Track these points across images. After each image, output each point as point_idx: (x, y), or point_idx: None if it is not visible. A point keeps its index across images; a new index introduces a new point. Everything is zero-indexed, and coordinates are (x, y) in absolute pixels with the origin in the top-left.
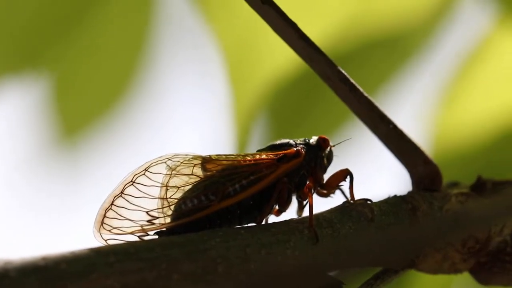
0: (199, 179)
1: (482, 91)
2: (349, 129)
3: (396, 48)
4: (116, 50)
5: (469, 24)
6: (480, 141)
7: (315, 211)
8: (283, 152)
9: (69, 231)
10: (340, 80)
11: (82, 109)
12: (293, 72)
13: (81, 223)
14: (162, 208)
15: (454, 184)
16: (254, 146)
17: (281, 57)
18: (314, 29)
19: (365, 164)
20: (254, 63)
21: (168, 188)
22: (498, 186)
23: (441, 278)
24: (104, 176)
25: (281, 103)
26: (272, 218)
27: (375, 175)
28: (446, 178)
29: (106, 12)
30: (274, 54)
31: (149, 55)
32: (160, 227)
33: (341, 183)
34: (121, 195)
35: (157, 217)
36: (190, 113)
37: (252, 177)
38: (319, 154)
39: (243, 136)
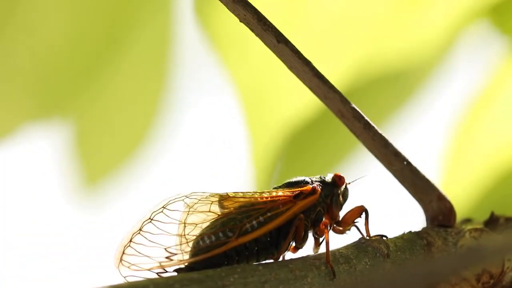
0: (216, 216)
1: (491, 128)
2: (364, 167)
3: (406, 85)
4: (135, 97)
5: (477, 62)
6: (489, 178)
7: (331, 248)
8: (299, 189)
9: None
10: (354, 117)
11: (104, 157)
12: (310, 114)
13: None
14: (180, 244)
15: (468, 221)
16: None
17: (298, 99)
18: (325, 69)
19: (379, 201)
20: (271, 106)
21: (186, 225)
22: (511, 221)
23: None
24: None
25: (299, 144)
26: (289, 255)
27: (389, 212)
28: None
29: (127, 62)
30: (290, 96)
31: (167, 102)
32: (178, 263)
33: (356, 220)
34: (139, 232)
35: (175, 254)
36: (210, 158)
37: (269, 214)
38: (335, 191)
39: (262, 178)
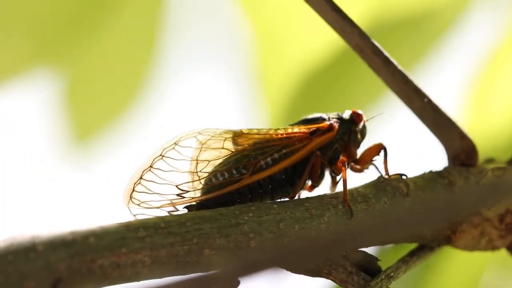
0: (230, 153)
1: None
2: (383, 105)
3: (428, 27)
4: (132, 48)
5: (503, 7)
6: None
7: (349, 186)
8: (316, 125)
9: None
10: (373, 52)
11: (96, 110)
12: (326, 56)
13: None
14: (192, 182)
15: (490, 160)
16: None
17: (314, 41)
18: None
19: (400, 139)
20: (286, 46)
21: (199, 162)
22: None
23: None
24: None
25: (314, 86)
26: (304, 194)
27: (410, 150)
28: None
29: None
30: (306, 38)
31: (169, 47)
32: (190, 201)
33: (375, 158)
34: (150, 169)
35: (187, 191)
36: (222, 95)
37: (284, 151)
38: (353, 128)
39: (275, 119)
